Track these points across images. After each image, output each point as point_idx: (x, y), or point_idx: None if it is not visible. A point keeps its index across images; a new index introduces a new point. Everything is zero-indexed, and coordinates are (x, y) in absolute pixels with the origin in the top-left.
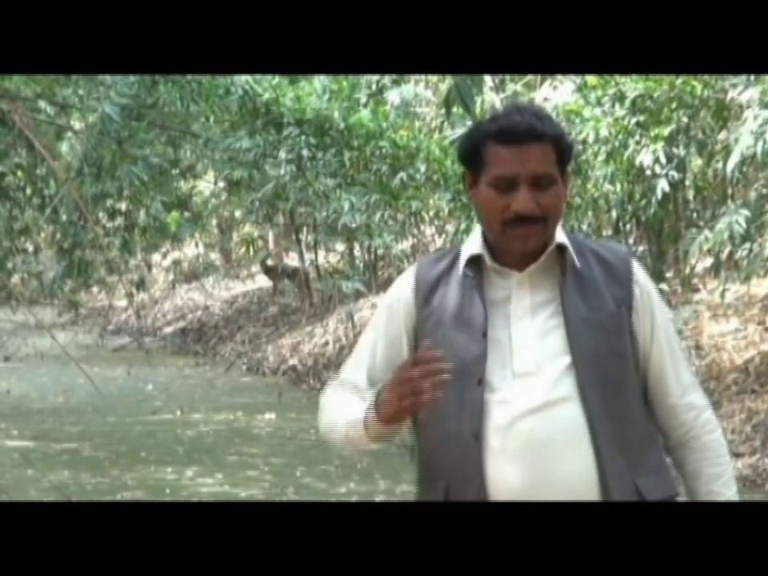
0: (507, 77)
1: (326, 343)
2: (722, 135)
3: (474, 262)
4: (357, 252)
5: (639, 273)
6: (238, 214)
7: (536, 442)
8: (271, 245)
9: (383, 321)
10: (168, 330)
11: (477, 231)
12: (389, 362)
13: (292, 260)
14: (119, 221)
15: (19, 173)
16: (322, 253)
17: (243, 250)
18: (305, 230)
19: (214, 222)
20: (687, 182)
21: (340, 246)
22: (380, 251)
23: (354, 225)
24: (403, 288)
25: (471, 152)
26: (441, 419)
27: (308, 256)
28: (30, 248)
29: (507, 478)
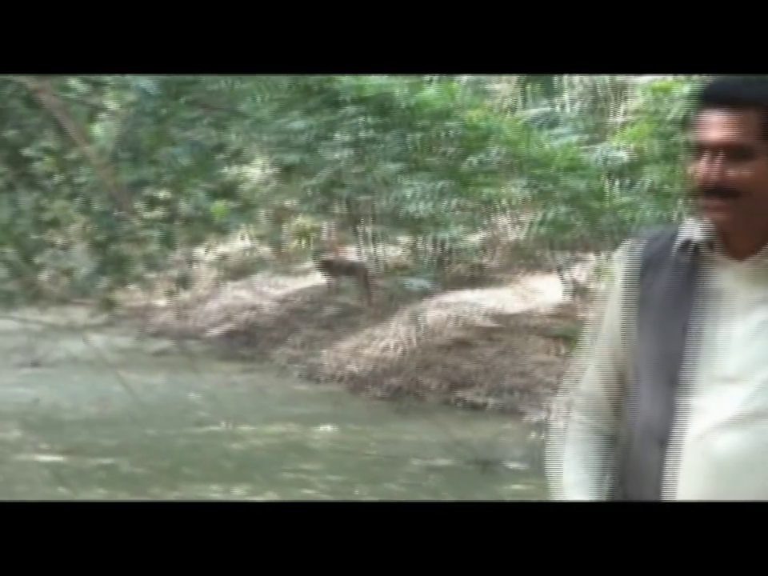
0: None
1: (389, 347)
2: None
3: (690, 246)
4: (422, 245)
5: None
6: (290, 203)
7: (733, 460)
8: (327, 237)
9: (598, 314)
10: (213, 332)
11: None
12: (609, 361)
13: (350, 254)
14: (159, 211)
15: (48, 158)
16: (383, 246)
17: (296, 243)
18: (364, 220)
19: (264, 212)
20: None
21: (403, 239)
22: (448, 244)
23: (418, 215)
24: (625, 262)
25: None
26: (634, 413)
27: (368, 250)
28: (60, 242)
29: (690, 495)
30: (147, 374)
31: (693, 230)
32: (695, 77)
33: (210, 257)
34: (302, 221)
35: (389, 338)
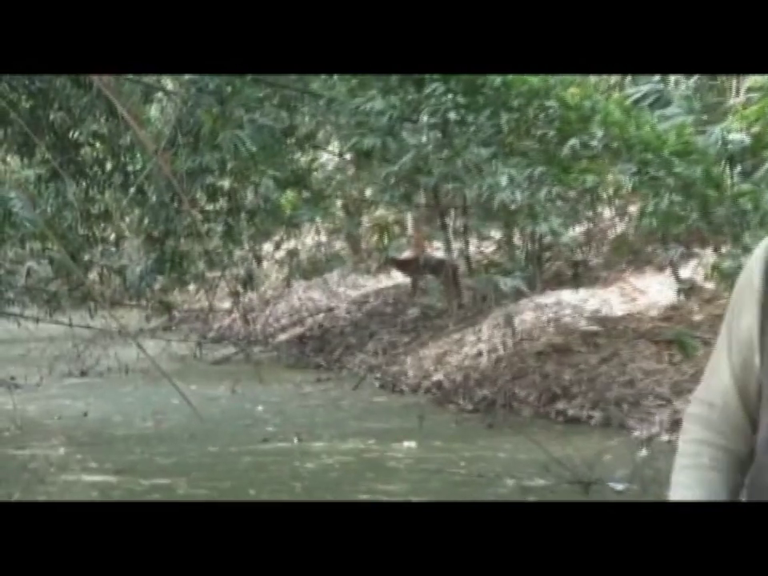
0: None
1: (479, 354)
2: None
3: None
4: (517, 240)
5: None
6: (368, 192)
7: None
8: (410, 231)
9: (732, 316)
10: (282, 337)
11: None
12: (744, 369)
13: (436, 250)
14: (221, 202)
15: (98, 143)
16: (473, 241)
17: (376, 237)
18: (452, 212)
19: (339, 203)
20: None
21: (496, 233)
22: (546, 239)
23: (513, 205)
24: (750, 270)
25: None
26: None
27: (456, 245)
28: (112, 237)
29: None
30: (208, 384)
31: None
32: None
33: (279, 253)
34: (382, 213)
35: (479, 344)
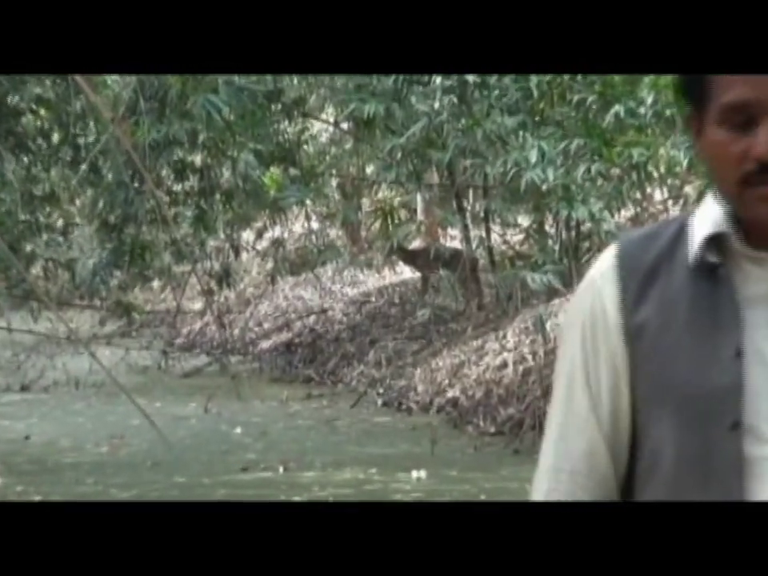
0: None
1: (504, 365)
2: None
3: (713, 242)
4: (549, 227)
5: None
6: (369, 170)
7: None
8: (420, 216)
9: (578, 349)
10: (265, 344)
11: (712, 197)
12: (614, 411)
13: (451, 240)
14: (192, 182)
15: (42, 111)
16: (496, 229)
17: (378, 224)
18: (470, 193)
19: (334, 182)
20: None
21: (524, 219)
22: (584, 226)
23: (544, 185)
24: (599, 286)
25: (692, 77)
26: (669, 483)
27: (475, 233)
28: (59, 223)
29: None
30: (176, 401)
31: (710, 219)
32: None
33: (262, 243)
34: (386, 194)
35: (504, 353)
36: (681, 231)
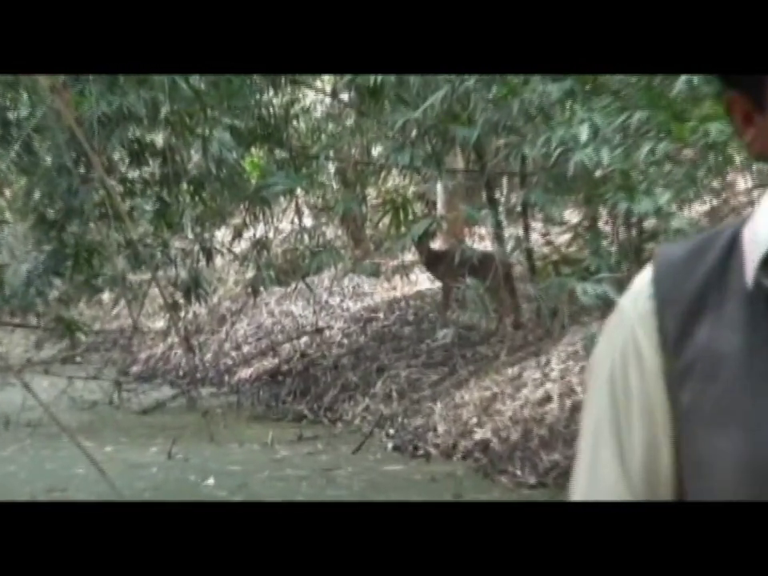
0: None
1: (547, 399)
2: None
3: None
4: (604, 225)
5: None
6: (376, 152)
7: None
8: (440, 210)
9: (605, 401)
10: (245, 373)
11: None
12: (635, 467)
13: (480, 240)
14: (152, 167)
15: None
16: (537, 226)
17: (387, 220)
18: (504, 182)
19: (332, 167)
20: None
21: (572, 214)
22: (649, 222)
23: (598, 171)
24: (632, 321)
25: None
26: None
27: (511, 232)
28: None
29: None
30: (132, 444)
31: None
32: None
33: (240, 245)
34: (398, 183)
35: (547, 384)
36: (733, 245)
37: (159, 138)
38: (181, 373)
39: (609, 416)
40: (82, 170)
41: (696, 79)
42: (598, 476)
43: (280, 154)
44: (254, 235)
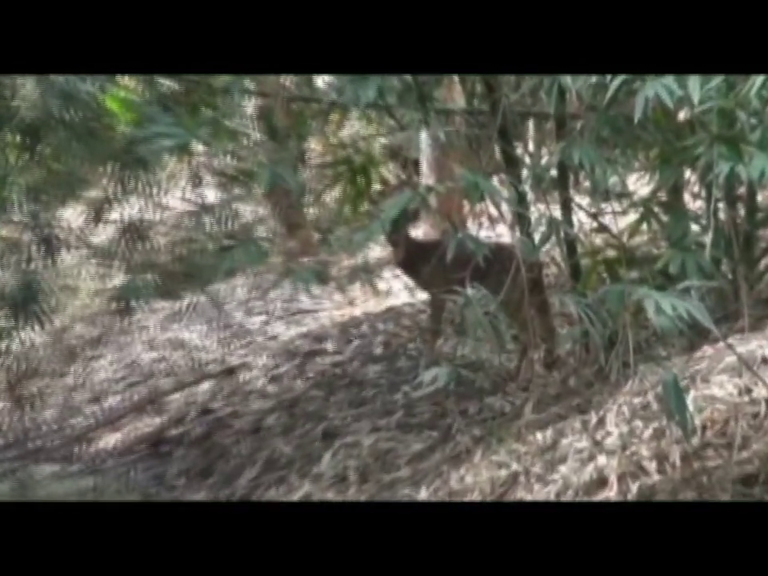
0: None
1: (601, 482)
2: None
3: None
4: (692, 199)
5: None
6: (323, 80)
7: None
8: (427, 176)
9: None
10: (107, 442)
11: None
12: None
13: (491, 225)
14: None
15: None
16: (582, 202)
17: (340, 192)
18: (530, 129)
19: (250, 104)
20: None
21: (639, 182)
22: (764, 193)
23: (682, 111)
24: None
25: None
26: None
27: (540, 211)
28: None
29: None
30: None
31: None
32: None
33: (102, 232)
34: (357, 130)
35: (600, 457)
36: None
37: None
38: (2, 441)
39: None
40: None
41: None
42: None
43: (165, 83)
44: (124, 217)
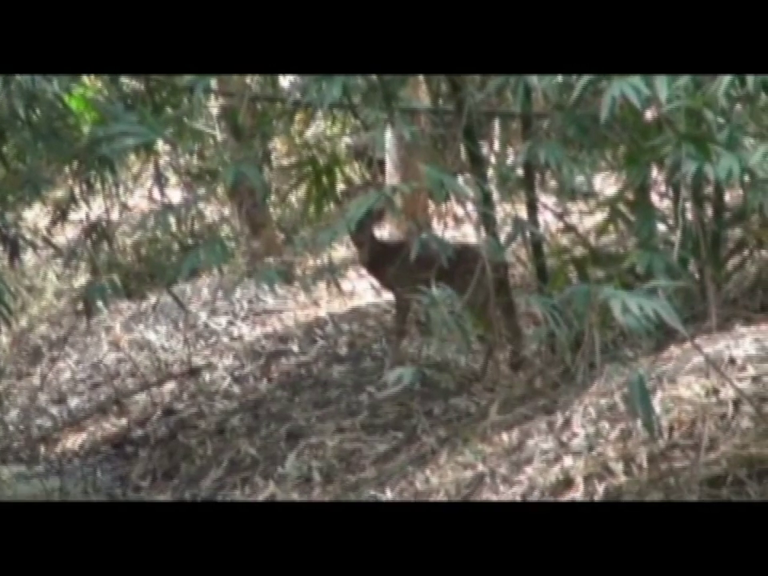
0: None
1: (567, 482)
2: None
3: None
4: (658, 198)
5: None
6: (287, 79)
7: None
8: (392, 176)
9: None
10: (71, 443)
11: None
12: None
13: (456, 224)
14: None
15: None
16: (549, 201)
17: (305, 191)
18: (496, 126)
19: (215, 105)
20: None
21: (605, 181)
22: (733, 193)
23: (650, 111)
24: None
25: None
26: None
27: (505, 211)
28: None
29: None
30: None
31: None
32: None
33: (66, 232)
34: (322, 129)
35: (566, 458)
36: None
37: None
38: None
39: None
40: None
41: None
42: None
43: (129, 84)
44: (87, 217)
